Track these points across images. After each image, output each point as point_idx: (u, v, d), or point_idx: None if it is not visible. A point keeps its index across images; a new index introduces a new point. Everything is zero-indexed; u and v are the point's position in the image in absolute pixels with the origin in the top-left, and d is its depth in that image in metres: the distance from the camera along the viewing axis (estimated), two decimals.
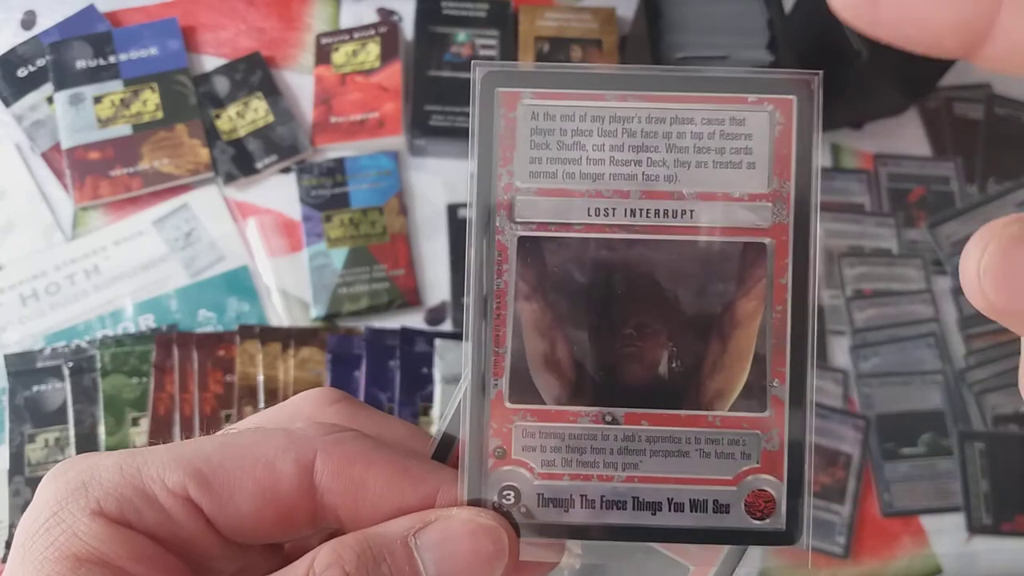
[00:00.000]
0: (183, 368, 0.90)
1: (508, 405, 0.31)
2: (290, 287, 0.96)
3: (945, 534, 0.91)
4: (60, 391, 0.89)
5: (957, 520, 0.91)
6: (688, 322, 0.31)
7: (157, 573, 0.28)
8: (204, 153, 0.98)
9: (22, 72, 1.02)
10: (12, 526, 0.85)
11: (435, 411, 0.90)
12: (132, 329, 0.93)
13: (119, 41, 1.02)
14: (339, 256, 0.95)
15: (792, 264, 0.30)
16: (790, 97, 0.31)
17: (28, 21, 1.06)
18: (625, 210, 0.31)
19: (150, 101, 0.99)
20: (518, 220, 0.31)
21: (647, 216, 0.31)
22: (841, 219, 1.02)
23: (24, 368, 0.90)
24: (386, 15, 1.08)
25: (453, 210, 0.99)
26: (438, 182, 1.00)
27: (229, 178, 0.98)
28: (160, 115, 0.99)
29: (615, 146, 0.31)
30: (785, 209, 0.30)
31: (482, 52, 1.01)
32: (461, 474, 0.30)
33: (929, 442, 0.93)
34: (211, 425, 0.88)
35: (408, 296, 0.95)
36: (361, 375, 0.91)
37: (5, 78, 1.02)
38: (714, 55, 0.90)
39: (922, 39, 0.21)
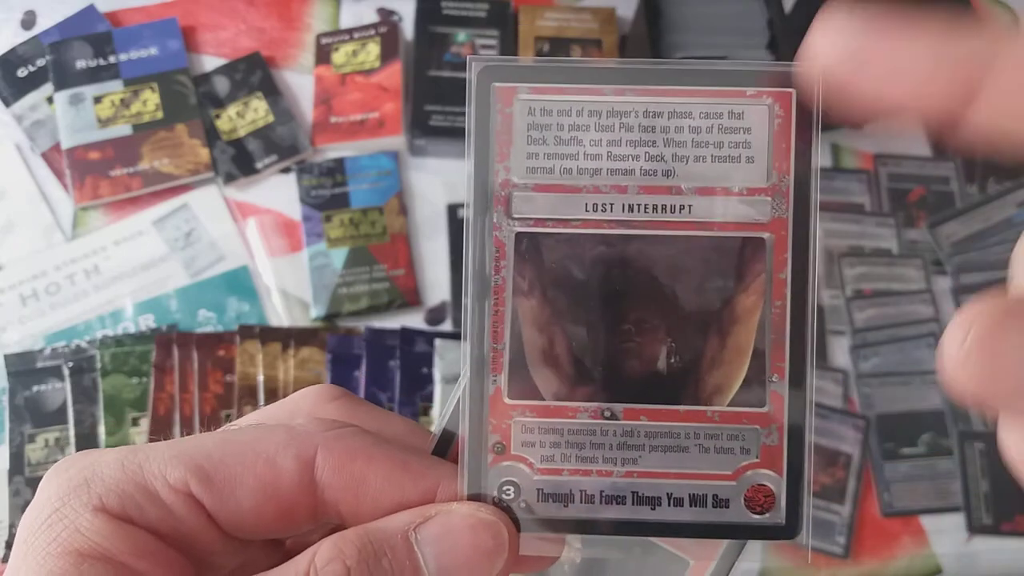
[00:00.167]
0: (183, 368, 0.90)
1: (507, 401, 0.31)
2: (290, 287, 0.96)
3: (945, 534, 0.91)
4: (60, 391, 0.89)
5: (957, 520, 0.91)
6: (687, 317, 0.31)
7: (159, 568, 0.28)
8: (204, 153, 0.98)
9: (22, 72, 1.02)
10: (12, 526, 0.85)
11: (435, 411, 0.90)
12: (132, 329, 0.93)
13: (119, 41, 1.02)
14: (339, 256, 0.95)
15: (791, 259, 0.30)
16: (789, 90, 0.30)
17: (28, 21, 1.06)
18: (623, 205, 0.30)
19: (150, 101, 0.99)
20: (515, 216, 0.30)
21: (645, 211, 0.30)
22: (841, 219, 1.02)
23: (24, 368, 0.90)
24: (386, 15, 1.08)
25: (453, 210, 0.99)
26: (438, 182, 1.00)
27: (229, 178, 0.98)
28: (160, 115, 0.99)
29: (612, 141, 0.30)
30: (784, 203, 0.30)
31: (482, 52, 1.01)
32: (461, 469, 0.30)
33: (929, 442, 0.93)
34: (211, 425, 0.88)
35: (408, 296, 0.95)
36: (361, 375, 0.91)
37: (5, 78, 1.02)
38: (714, 55, 0.90)
39: (908, 98, 0.21)
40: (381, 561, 0.28)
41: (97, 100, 0.99)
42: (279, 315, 0.95)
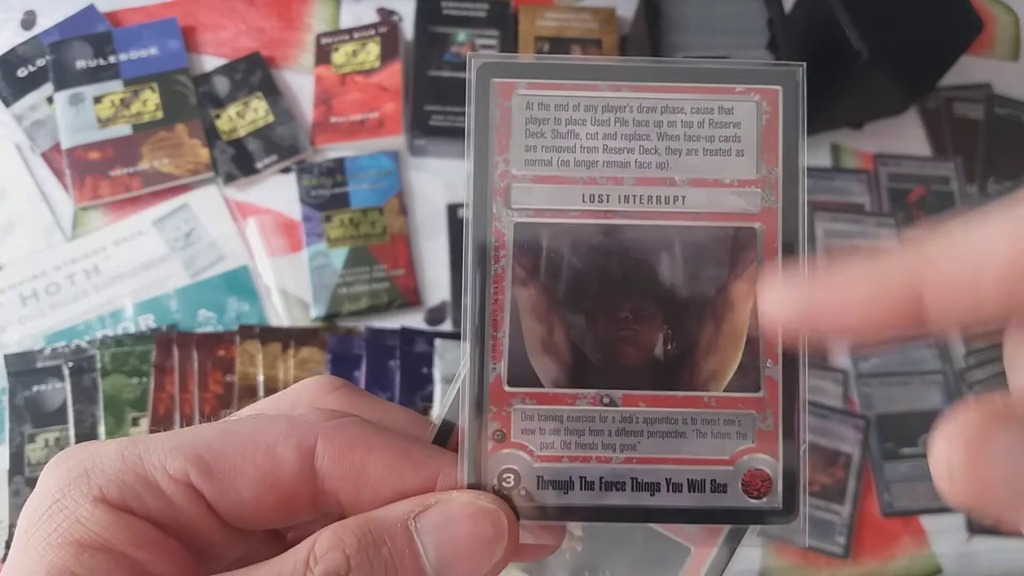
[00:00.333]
0: (183, 368, 0.90)
1: (507, 389, 0.31)
2: (290, 287, 0.96)
3: (945, 534, 0.91)
4: (60, 391, 0.89)
5: (957, 520, 0.91)
6: (682, 305, 0.31)
7: (159, 558, 0.28)
8: (204, 153, 0.98)
9: (22, 72, 1.02)
10: (12, 526, 0.85)
11: (435, 411, 0.90)
12: (132, 329, 0.93)
13: (119, 41, 1.02)
14: (339, 256, 0.96)
15: (781, 247, 0.31)
16: (776, 87, 0.32)
17: (28, 21, 1.06)
18: (619, 196, 0.31)
19: (150, 101, 0.99)
20: (514, 207, 0.31)
21: (641, 202, 0.31)
22: (841, 219, 1.02)
23: (24, 368, 0.90)
24: (386, 15, 1.08)
25: (453, 210, 0.99)
26: (438, 182, 1.01)
27: (229, 178, 0.98)
28: (160, 115, 0.99)
29: (608, 135, 0.31)
30: (773, 195, 0.31)
31: (482, 52, 1.02)
32: (461, 458, 0.31)
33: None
34: None
35: (408, 296, 0.95)
36: (361, 375, 0.91)
37: (5, 78, 1.02)
38: (714, 55, 0.90)
39: (861, 327, 0.25)
40: (381, 550, 0.28)
41: (97, 100, 0.99)
42: (279, 315, 0.95)
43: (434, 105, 1.00)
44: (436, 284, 0.97)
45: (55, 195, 0.98)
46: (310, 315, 0.94)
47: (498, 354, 0.31)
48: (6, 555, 0.82)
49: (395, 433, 0.31)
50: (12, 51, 1.03)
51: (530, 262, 0.31)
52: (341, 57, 1.03)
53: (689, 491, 0.31)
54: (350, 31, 1.05)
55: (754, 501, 0.31)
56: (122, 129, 0.98)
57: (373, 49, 1.03)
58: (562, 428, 0.31)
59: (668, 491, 0.31)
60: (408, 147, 1.01)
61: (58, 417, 0.89)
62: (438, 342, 0.91)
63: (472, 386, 0.31)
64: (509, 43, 1.04)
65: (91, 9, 1.06)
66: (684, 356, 0.31)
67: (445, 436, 0.32)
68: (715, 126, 0.32)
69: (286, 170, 1.00)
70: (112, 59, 1.01)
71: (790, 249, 0.31)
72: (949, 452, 0.21)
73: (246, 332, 0.91)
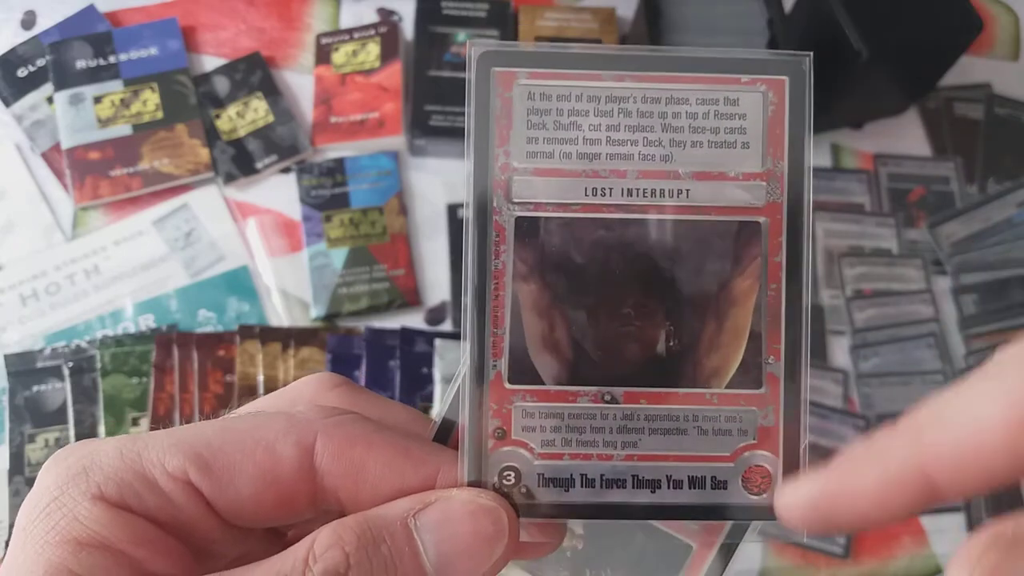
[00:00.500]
0: (183, 368, 0.90)
1: (507, 386, 0.31)
2: (290, 287, 0.96)
3: (945, 534, 0.90)
4: (60, 391, 0.89)
5: (957, 520, 0.91)
6: (685, 301, 0.31)
7: (158, 556, 0.28)
8: (204, 153, 0.98)
9: (22, 72, 1.02)
10: (12, 526, 0.85)
11: (435, 411, 0.89)
12: (132, 329, 0.93)
13: (119, 41, 1.02)
14: (339, 256, 0.95)
15: (786, 243, 0.31)
16: (782, 78, 0.31)
17: (28, 21, 1.06)
18: (622, 190, 0.31)
19: (150, 101, 0.99)
20: (515, 200, 0.31)
21: (644, 196, 0.31)
22: (841, 219, 1.02)
23: (24, 368, 0.90)
24: (386, 15, 1.08)
25: (453, 210, 0.99)
26: (438, 182, 1.00)
27: (229, 178, 0.98)
28: (160, 115, 0.99)
29: (611, 126, 0.31)
30: (779, 188, 0.31)
31: None
32: (461, 455, 0.30)
33: None
34: None
35: (408, 296, 0.95)
36: (361, 375, 0.91)
37: (5, 78, 1.02)
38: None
39: (877, 513, 0.26)
40: (380, 547, 0.28)
41: (97, 100, 0.99)
42: (279, 315, 0.95)
43: (434, 105, 1.00)
44: (436, 284, 0.97)
45: (55, 195, 0.98)
46: (310, 315, 0.94)
47: (499, 351, 0.31)
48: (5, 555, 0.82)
49: (395, 430, 0.31)
50: (12, 51, 1.03)
51: (531, 257, 0.31)
52: (341, 57, 1.03)
53: (690, 488, 0.31)
54: (350, 31, 1.05)
55: (755, 498, 0.31)
56: (122, 129, 0.98)
57: (373, 49, 1.03)
58: (563, 425, 0.31)
59: (669, 488, 0.31)
60: (408, 147, 1.01)
61: (58, 417, 0.88)
62: (438, 342, 0.91)
63: (472, 383, 0.31)
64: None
65: (91, 9, 1.06)
66: (686, 353, 0.31)
67: (445, 434, 0.32)
68: (720, 117, 0.31)
69: (286, 170, 1.00)
70: (112, 59, 1.01)
71: (794, 244, 0.31)
72: None
73: (246, 332, 0.91)
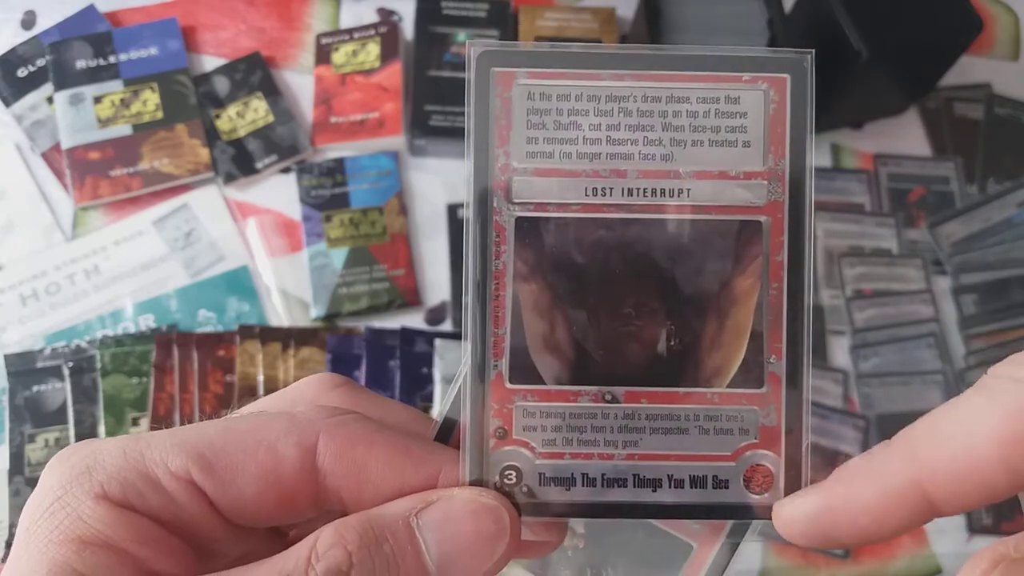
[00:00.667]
0: (183, 368, 0.90)
1: (508, 385, 0.31)
2: (290, 287, 0.96)
3: (945, 534, 0.90)
4: (60, 391, 0.89)
5: (957, 520, 0.91)
6: (686, 300, 0.31)
7: (161, 556, 0.28)
8: (204, 153, 0.98)
9: (22, 72, 1.02)
10: (12, 526, 0.85)
11: (436, 411, 0.89)
12: (132, 329, 0.93)
13: (119, 41, 1.02)
14: (339, 256, 0.95)
15: (787, 242, 0.31)
16: (783, 76, 0.31)
17: (28, 21, 1.06)
18: (622, 189, 0.31)
19: (150, 101, 0.99)
20: (515, 200, 0.31)
21: (644, 195, 0.31)
22: (841, 219, 1.02)
23: (24, 368, 0.90)
24: (386, 15, 1.08)
25: (453, 210, 0.99)
26: (438, 182, 1.00)
27: (229, 178, 0.98)
28: (160, 115, 0.99)
29: (611, 125, 0.31)
30: (780, 187, 0.31)
31: None
32: (462, 454, 0.30)
33: None
34: None
35: (408, 296, 0.95)
36: (361, 375, 0.91)
37: (5, 78, 1.02)
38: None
39: (876, 529, 0.26)
40: (382, 546, 0.28)
41: (97, 100, 0.99)
42: (279, 315, 0.95)
43: (434, 105, 1.00)
44: (436, 284, 0.97)
45: (55, 195, 0.98)
46: (310, 315, 0.94)
47: (499, 351, 0.31)
48: (6, 555, 0.82)
49: (396, 430, 0.31)
50: (12, 51, 1.03)
51: (532, 257, 0.31)
52: (341, 57, 1.03)
53: (691, 487, 0.31)
54: (350, 31, 1.05)
55: (756, 497, 0.31)
56: (122, 129, 0.98)
57: (373, 49, 1.03)
58: (564, 425, 0.31)
59: (670, 487, 0.31)
60: (408, 147, 1.01)
61: (58, 417, 0.88)
62: (438, 342, 0.91)
63: (474, 383, 0.31)
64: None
65: (91, 9, 1.06)
66: (687, 352, 0.31)
67: (447, 433, 0.32)
68: (721, 116, 0.31)
69: (286, 170, 1.00)
70: (112, 59, 1.01)
71: (796, 243, 0.31)
72: None
73: (246, 332, 0.91)
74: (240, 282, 0.96)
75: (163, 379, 0.89)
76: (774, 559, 0.87)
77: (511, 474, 0.31)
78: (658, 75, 0.31)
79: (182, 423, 0.87)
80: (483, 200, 0.31)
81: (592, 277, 0.31)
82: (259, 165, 0.98)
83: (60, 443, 0.87)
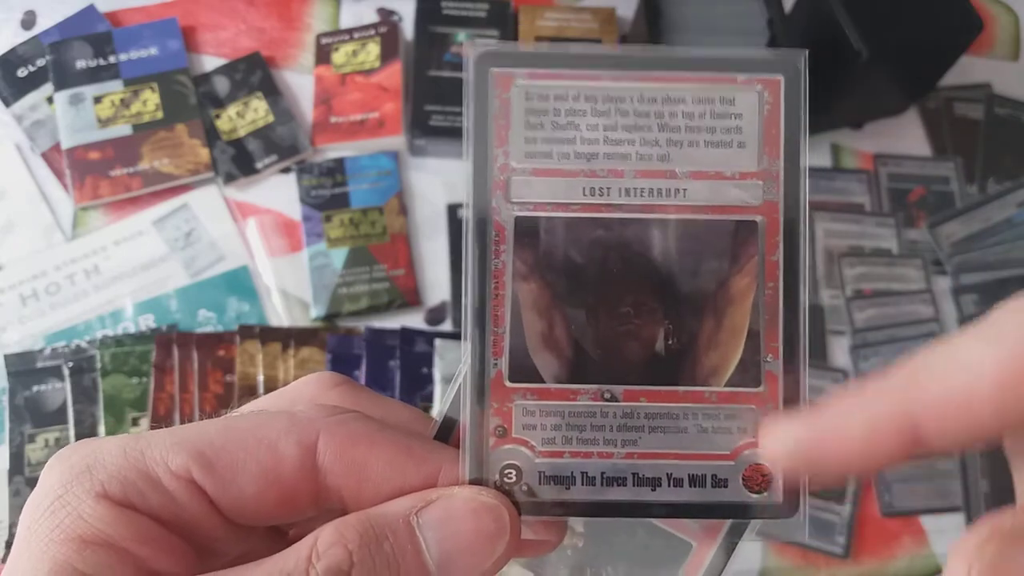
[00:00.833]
0: (183, 368, 0.90)
1: (508, 384, 0.31)
2: (290, 287, 0.96)
3: (945, 534, 0.90)
4: (60, 391, 0.89)
5: (957, 520, 0.91)
6: (684, 299, 0.31)
7: (162, 554, 0.28)
8: (204, 153, 0.98)
9: (22, 72, 1.02)
10: (12, 526, 0.85)
11: (436, 411, 0.89)
12: (132, 329, 0.93)
13: (119, 41, 1.02)
14: (339, 256, 0.95)
15: (783, 241, 0.31)
16: (777, 77, 0.31)
17: (28, 21, 1.06)
18: (620, 189, 0.31)
19: (150, 101, 0.99)
20: (514, 200, 0.31)
21: (641, 195, 0.31)
22: (841, 219, 1.02)
23: (24, 368, 0.90)
24: (386, 15, 1.08)
25: (453, 210, 0.99)
26: (438, 182, 1.00)
27: (229, 178, 0.98)
28: (160, 115, 0.99)
29: (609, 126, 0.31)
30: (775, 187, 0.31)
31: None
32: (462, 453, 0.31)
33: None
34: None
35: (408, 296, 0.95)
36: (361, 375, 0.91)
37: (5, 78, 1.02)
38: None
39: (861, 457, 0.25)
40: (383, 545, 0.28)
41: (97, 100, 0.99)
42: (279, 315, 0.95)
43: (434, 105, 1.00)
44: (436, 284, 0.97)
45: (55, 195, 0.98)
46: (310, 315, 0.94)
47: (499, 350, 0.31)
48: (6, 555, 0.82)
49: (397, 429, 0.31)
50: (12, 51, 1.03)
51: (531, 257, 0.31)
52: (341, 57, 1.03)
53: (690, 486, 0.31)
54: (350, 31, 1.05)
55: (755, 496, 0.31)
56: (122, 129, 0.98)
57: (373, 49, 1.03)
58: (563, 424, 0.31)
59: (669, 486, 0.31)
60: (408, 147, 1.01)
61: (58, 417, 0.88)
62: (438, 342, 0.91)
63: (473, 382, 0.31)
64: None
65: (91, 9, 1.06)
66: (685, 351, 0.31)
67: (447, 432, 0.32)
68: (716, 117, 0.31)
69: (286, 170, 1.00)
70: (112, 59, 1.01)
71: (791, 243, 0.31)
72: (968, 572, 0.21)
73: (246, 332, 0.91)
74: (240, 282, 0.96)
75: (163, 379, 0.89)
76: (774, 559, 0.87)
77: (511, 473, 0.31)
78: (654, 76, 0.31)
79: (182, 423, 0.87)
80: (482, 200, 0.31)
81: (590, 276, 0.31)
82: (259, 165, 0.98)
83: (60, 443, 0.87)
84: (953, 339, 0.24)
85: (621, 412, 0.31)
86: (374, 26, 1.05)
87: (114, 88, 1.00)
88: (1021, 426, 0.23)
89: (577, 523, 0.33)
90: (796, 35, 0.96)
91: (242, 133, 1.00)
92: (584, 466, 0.31)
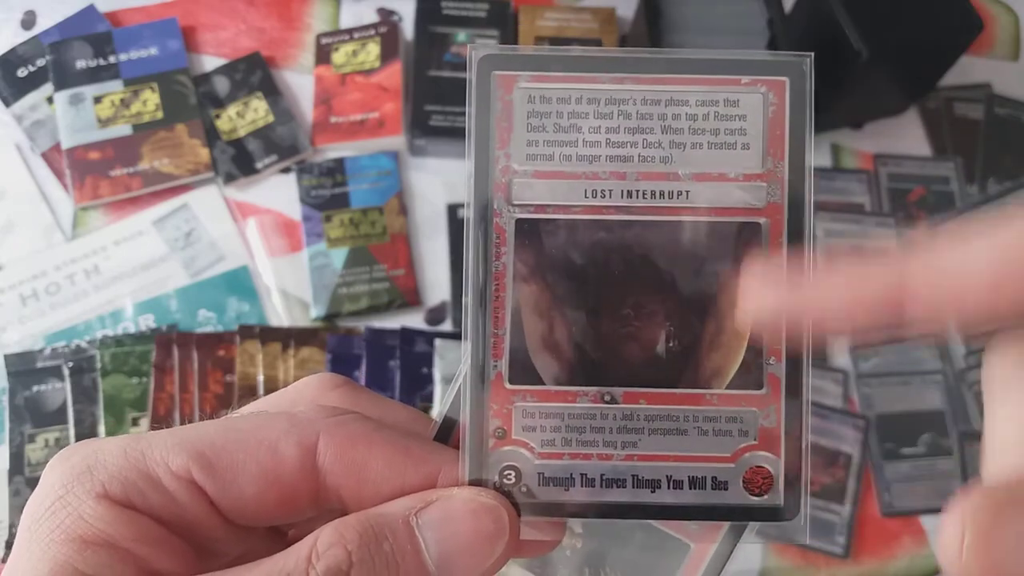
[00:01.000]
0: (183, 368, 0.90)
1: (508, 386, 0.31)
2: (290, 287, 0.96)
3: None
4: (60, 391, 0.89)
5: None
6: (685, 301, 0.31)
7: (162, 555, 0.28)
8: (204, 153, 0.98)
9: (22, 72, 1.02)
10: (12, 526, 0.85)
11: (436, 411, 0.89)
12: (132, 329, 0.93)
13: (119, 41, 1.02)
14: (339, 256, 0.96)
15: (786, 244, 0.31)
16: (782, 79, 0.31)
17: (28, 21, 1.06)
18: (622, 191, 0.31)
19: (150, 101, 0.99)
20: (516, 203, 0.31)
21: (644, 197, 0.31)
22: (841, 219, 1.02)
23: (24, 368, 0.90)
24: (386, 15, 1.08)
25: (453, 210, 0.99)
26: (438, 182, 1.00)
27: (229, 178, 0.98)
28: (160, 115, 0.99)
29: (611, 128, 0.31)
30: (779, 189, 0.31)
31: None
32: (462, 454, 0.31)
33: (929, 442, 0.93)
34: None
35: (408, 296, 0.95)
36: (361, 375, 0.91)
37: (5, 78, 1.02)
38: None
39: (842, 324, 0.26)
40: (382, 545, 0.28)
41: (97, 100, 0.99)
42: (279, 315, 0.95)
43: (434, 105, 1.00)
44: (436, 284, 0.97)
45: (55, 195, 0.98)
46: (310, 315, 0.94)
47: (499, 351, 0.31)
48: (6, 555, 0.82)
49: (396, 430, 0.31)
50: (12, 51, 1.03)
51: (532, 258, 0.31)
52: (341, 57, 1.03)
53: (690, 488, 0.31)
54: (350, 31, 1.05)
55: (755, 499, 0.31)
56: (122, 129, 0.98)
57: (373, 49, 1.03)
58: (563, 425, 0.31)
59: (669, 488, 0.31)
60: (408, 147, 1.01)
61: (58, 417, 0.89)
62: (438, 342, 0.91)
63: (473, 383, 0.31)
64: (509, 43, 1.04)
65: (91, 9, 1.06)
66: (686, 353, 0.31)
67: (446, 433, 0.32)
68: (720, 119, 0.31)
69: (286, 170, 1.00)
70: (112, 59, 1.01)
71: (795, 245, 0.31)
72: (961, 539, 0.21)
73: (246, 332, 0.91)
74: (240, 282, 0.96)
75: (163, 379, 0.89)
76: (774, 559, 0.88)
77: (510, 474, 0.31)
78: (657, 78, 0.31)
79: (182, 423, 0.87)
80: (484, 202, 0.31)
81: (592, 278, 0.31)
82: (259, 165, 0.98)
83: (60, 443, 0.87)
84: (959, 230, 0.24)
85: (621, 414, 0.31)
86: (374, 26, 1.05)
87: (114, 88, 1.00)
88: (1011, 317, 0.23)
89: (576, 524, 0.33)
90: (796, 35, 0.96)
91: (242, 133, 1.00)
92: (583, 468, 0.31)
